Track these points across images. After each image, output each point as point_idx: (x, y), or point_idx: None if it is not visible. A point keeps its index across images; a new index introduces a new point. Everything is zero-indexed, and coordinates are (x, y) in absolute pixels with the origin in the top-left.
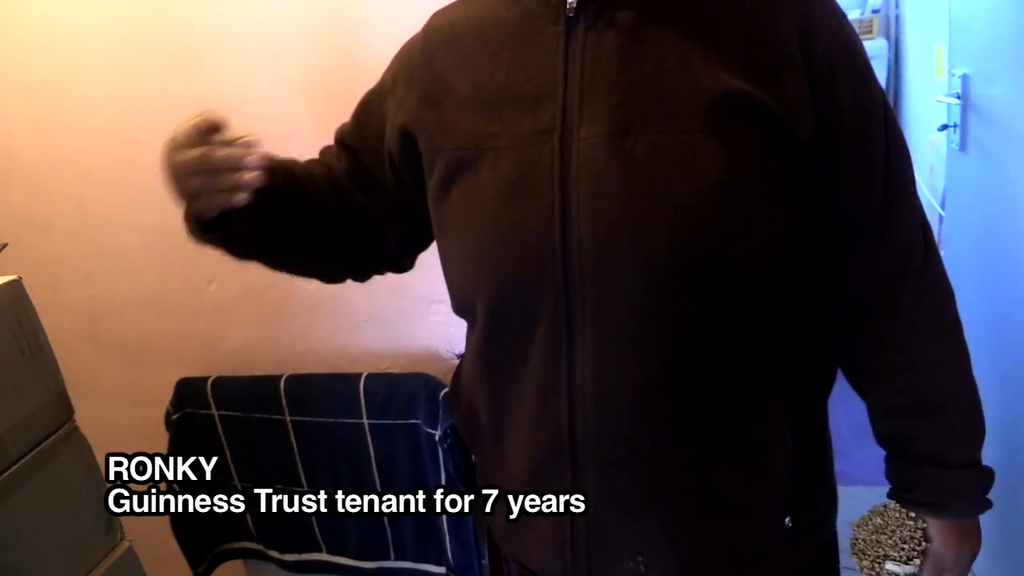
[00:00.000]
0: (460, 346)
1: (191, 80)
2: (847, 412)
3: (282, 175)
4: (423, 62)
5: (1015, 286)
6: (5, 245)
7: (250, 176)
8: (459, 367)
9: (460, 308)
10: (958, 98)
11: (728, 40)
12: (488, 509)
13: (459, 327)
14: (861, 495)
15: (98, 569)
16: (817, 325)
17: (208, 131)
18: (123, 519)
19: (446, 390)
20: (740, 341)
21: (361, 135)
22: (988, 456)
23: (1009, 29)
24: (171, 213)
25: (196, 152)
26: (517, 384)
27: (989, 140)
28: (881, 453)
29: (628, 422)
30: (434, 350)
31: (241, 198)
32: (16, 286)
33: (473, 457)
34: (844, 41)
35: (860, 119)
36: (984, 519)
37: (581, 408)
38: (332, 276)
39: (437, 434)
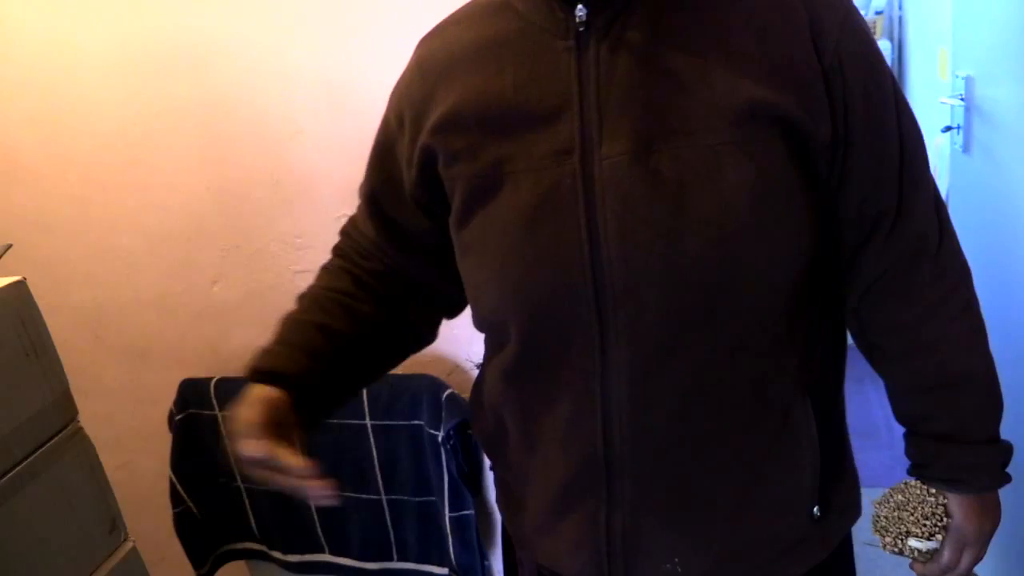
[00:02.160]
0: (461, 348)
1: (194, 82)
2: (849, 414)
3: (329, 354)
4: (424, 96)
5: (1017, 287)
6: (9, 246)
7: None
8: (479, 380)
9: (486, 326)
10: (961, 100)
11: (742, 45)
12: (513, 520)
13: (463, 328)
14: (863, 496)
15: (102, 569)
16: (833, 314)
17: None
18: (126, 519)
19: (449, 391)
20: (771, 345)
21: (384, 189)
22: None
23: (1012, 31)
24: (174, 214)
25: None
26: (549, 402)
27: (992, 142)
28: (882, 456)
29: (664, 435)
30: (438, 352)
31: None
32: (20, 287)
33: (494, 469)
34: (852, 29)
35: (872, 106)
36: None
37: (617, 424)
38: (399, 362)
39: (440, 435)
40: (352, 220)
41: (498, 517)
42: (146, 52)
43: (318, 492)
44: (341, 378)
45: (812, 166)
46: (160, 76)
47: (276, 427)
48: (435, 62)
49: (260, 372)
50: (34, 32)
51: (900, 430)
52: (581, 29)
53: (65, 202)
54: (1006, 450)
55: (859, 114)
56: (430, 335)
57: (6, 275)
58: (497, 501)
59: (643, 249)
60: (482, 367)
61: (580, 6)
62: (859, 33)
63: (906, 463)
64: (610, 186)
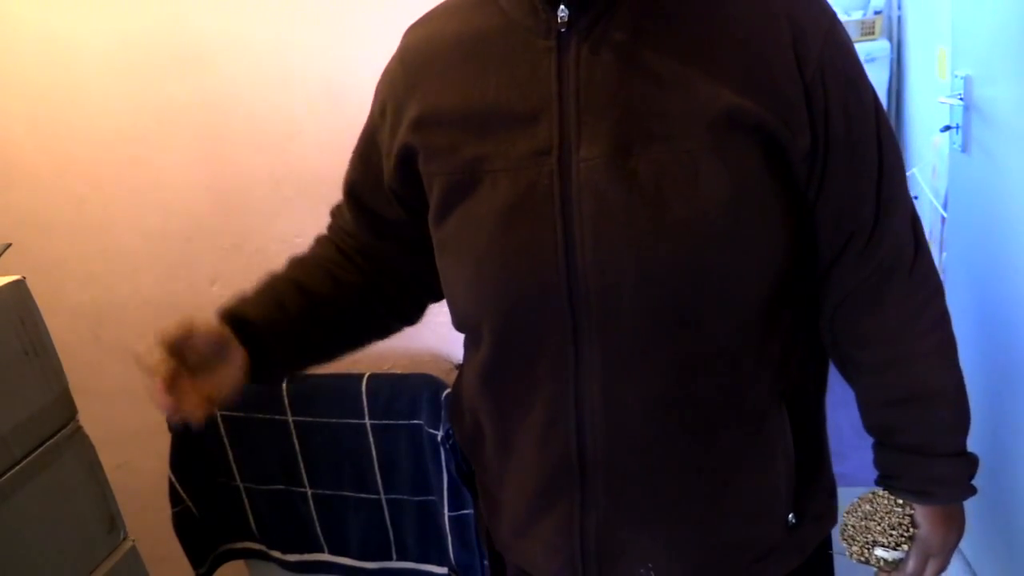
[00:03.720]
0: (460, 347)
1: (193, 82)
2: (848, 413)
3: (296, 305)
4: (406, 86)
5: (1016, 286)
6: (8, 246)
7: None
8: (459, 380)
9: (463, 327)
10: (960, 99)
11: (724, 54)
12: (491, 522)
13: None
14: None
15: (101, 568)
16: (810, 325)
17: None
18: (126, 519)
19: (448, 390)
20: (745, 352)
21: (364, 179)
22: (987, 451)
23: (1011, 31)
24: (173, 213)
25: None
26: (523, 404)
27: (991, 141)
28: None
29: (638, 437)
30: (436, 351)
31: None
32: (20, 286)
33: (475, 473)
34: (835, 43)
35: (852, 122)
36: (972, 506)
37: (590, 426)
38: (382, 336)
39: (439, 434)
40: (338, 204)
41: None
42: (146, 52)
43: (165, 407)
44: (310, 336)
45: (790, 176)
46: (160, 76)
47: (193, 348)
48: (417, 54)
49: (224, 311)
50: (33, 31)
51: None
52: (563, 30)
53: (64, 202)
54: (973, 463)
55: (839, 129)
56: (414, 314)
57: (5, 275)
58: (481, 511)
59: (618, 251)
60: (461, 368)
61: (562, 7)
62: (842, 48)
63: None
64: (587, 188)
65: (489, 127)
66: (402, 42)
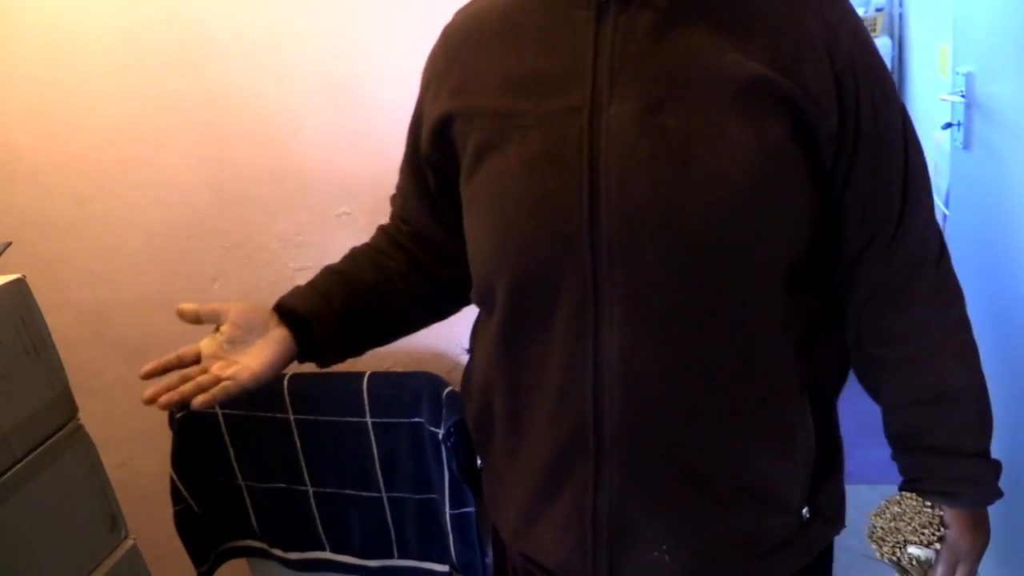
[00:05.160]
0: (461, 345)
1: (194, 79)
2: (851, 412)
3: (343, 296)
4: (447, 59)
5: (1019, 284)
6: (9, 244)
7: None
8: (469, 363)
9: (481, 291)
10: (962, 96)
11: (755, 35)
12: (499, 511)
13: (463, 325)
14: (864, 494)
15: (102, 567)
16: (833, 319)
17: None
18: (127, 517)
19: (449, 388)
20: (769, 326)
21: (413, 155)
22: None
23: (1013, 27)
24: (174, 212)
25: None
26: (538, 368)
27: (993, 138)
28: (883, 453)
29: (656, 405)
30: (438, 349)
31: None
32: (20, 284)
33: (479, 460)
34: (863, 42)
35: (880, 118)
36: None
37: (608, 390)
38: (439, 317)
39: (441, 432)
40: (398, 186)
41: None
42: (146, 49)
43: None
44: (355, 321)
45: (816, 156)
46: (160, 73)
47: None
48: (460, 30)
49: (276, 306)
50: (33, 29)
51: None
52: (602, 0)
53: (65, 200)
54: (997, 466)
55: (867, 121)
56: (453, 306)
57: (6, 273)
58: (486, 501)
59: (643, 203)
60: (472, 350)
61: None
62: (870, 48)
63: None
64: (615, 141)
65: (524, 89)
66: (446, 25)
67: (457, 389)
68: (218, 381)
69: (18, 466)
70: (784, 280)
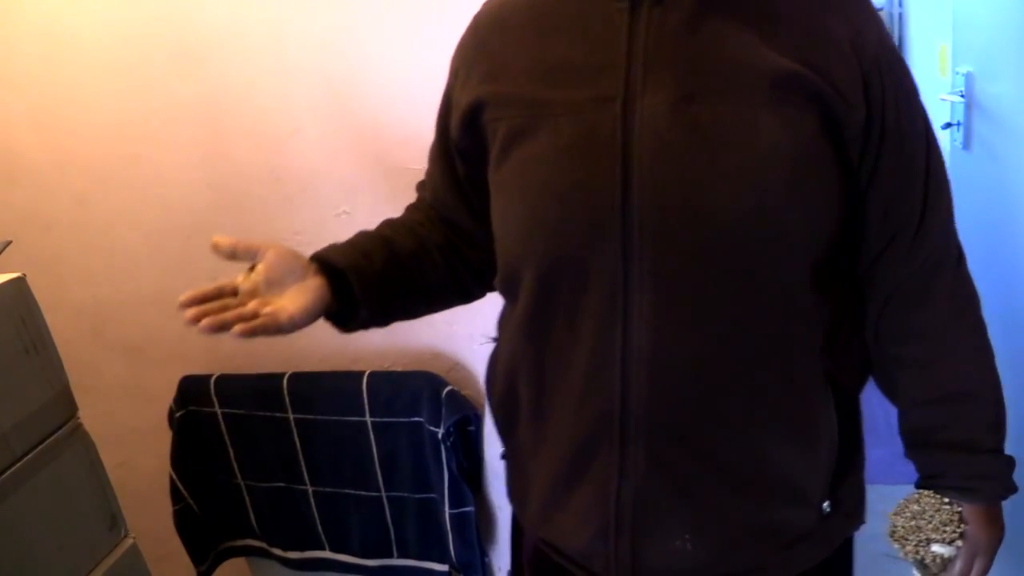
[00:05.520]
0: (461, 345)
1: (194, 78)
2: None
3: (383, 260)
4: (477, 47)
5: (1018, 284)
6: (9, 243)
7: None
8: (495, 351)
9: (506, 278)
10: (962, 96)
11: (785, 31)
12: (520, 499)
13: (462, 325)
14: (868, 492)
15: (102, 566)
16: (856, 317)
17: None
18: (127, 516)
19: (449, 388)
20: (792, 317)
21: (443, 140)
22: None
23: (1013, 27)
24: (174, 211)
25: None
26: (565, 355)
27: (993, 138)
28: (883, 453)
29: (682, 392)
30: (437, 348)
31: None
32: (20, 283)
33: (505, 450)
34: (887, 45)
35: (905, 120)
36: None
37: (635, 377)
38: (464, 299)
39: (440, 432)
40: (421, 181)
41: (498, 514)
42: (146, 48)
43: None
44: (392, 285)
45: (845, 150)
46: (160, 73)
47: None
48: (490, 19)
49: (313, 257)
50: (33, 28)
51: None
52: None
53: (64, 199)
54: (1011, 461)
55: (892, 120)
56: (478, 290)
57: (5, 272)
58: (508, 491)
59: (675, 192)
60: (498, 336)
61: None
62: (894, 50)
63: (904, 460)
64: (648, 131)
65: (555, 78)
66: (475, 15)
67: (457, 389)
68: (257, 316)
69: (18, 465)
70: (810, 274)
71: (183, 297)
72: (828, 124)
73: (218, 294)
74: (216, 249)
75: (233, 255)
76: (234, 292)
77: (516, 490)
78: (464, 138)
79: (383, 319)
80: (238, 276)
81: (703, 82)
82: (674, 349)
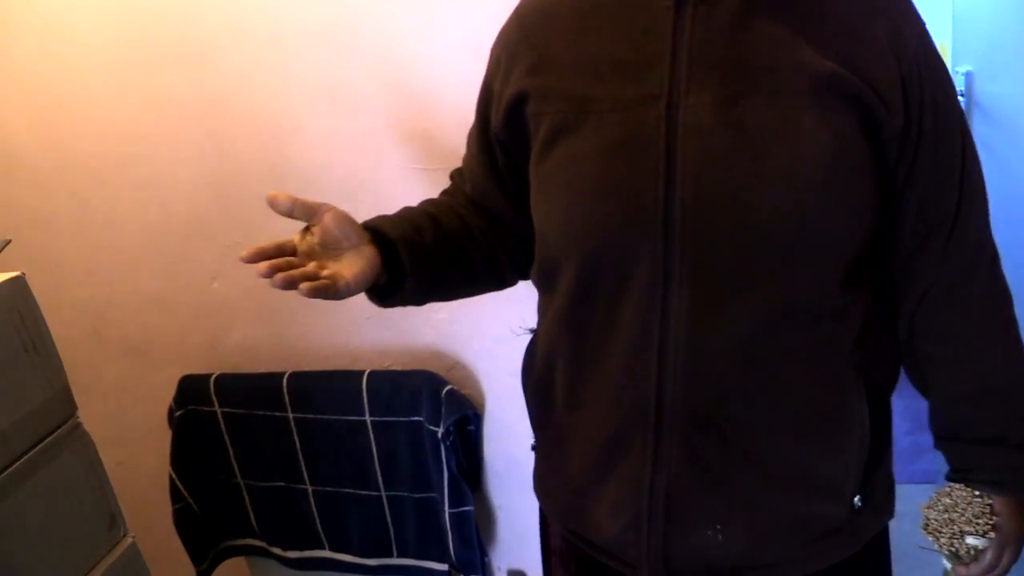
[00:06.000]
0: (461, 344)
1: (194, 76)
2: None
3: (432, 235)
4: (521, 39)
5: (1017, 282)
6: (8, 241)
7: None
8: (532, 340)
9: (546, 270)
10: (961, 96)
11: (829, 33)
12: (549, 487)
13: (461, 324)
14: None
15: (101, 565)
16: (888, 314)
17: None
18: (126, 516)
19: (449, 387)
20: (828, 314)
21: (482, 127)
22: None
23: (1012, 27)
24: (173, 210)
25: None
26: (603, 346)
27: (992, 137)
28: (904, 456)
29: (719, 384)
30: (437, 347)
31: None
32: (19, 282)
33: (536, 441)
34: (930, 49)
35: (942, 119)
36: None
37: (672, 370)
38: (498, 286)
39: (440, 431)
40: (457, 168)
41: (498, 513)
42: (145, 47)
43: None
44: (438, 262)
45: (882, 151)
46: (160, 71)
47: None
48: (535, 12)
49: (365, 225)
50: (32, 26)
51: (905, 426)
52: None
53: (64, 198)
54: None
55: (930, 120)
56: (513, 276)
57: (5, 271)
58: (535, 483)
59: (717, 191)
60: (537, 325)
61: None
62: (934, 52)
63: (908, 460)
64: (692, 129)
65: (601, 74)
66: (518, 8)
67: (456, 388)
68: (318, 276)
69: (17, 464)
70: (845, 272)
71: (247, 253)
72: (867, 125)
73: (279, 251)
74: (273, 204)
75: (290, 213)
76: (293, 251)
77: (545, 481)
78: (505, 129)
79: (424, 296)
80: (295, 235)
81: (746, 82)
82: (711, 343)
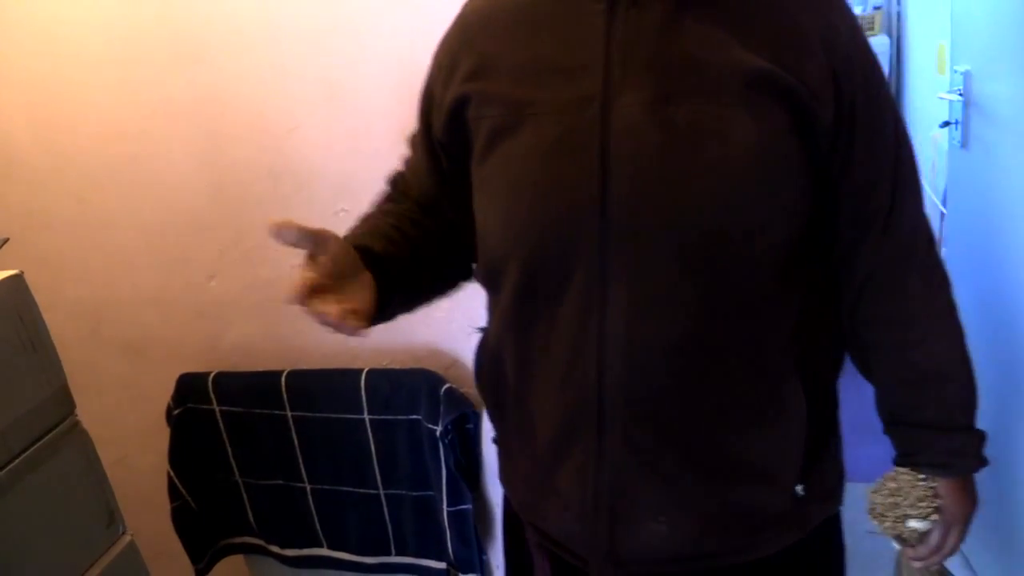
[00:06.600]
0: (460, 342)
1: (192, 76)
2: (845, 412)
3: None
4: (462, 44)
5: (1016, 283)
6: (6, 240)
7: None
8: (482, 339)
9: (489, 271)
10: (960, 95)
11: (759, 30)
12: (510, 482)
13: (460, 324)
14: (858, 490)
15: (100, 563)
16: (828, 303)
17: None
18: (124, 514)
19: (447, 385)
20: (763, 307)
21: (424, 133)
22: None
23: (1011, 26)
24: (172, 209)
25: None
26: (546, 344)
27: (991, 137)
28: (878, 451)
29: (656, 378)
30: (435, 346)
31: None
32: (18, 281)
33: (494, 434)
34: (860, 41)
35: (873, 110)
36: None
37: (611, 364)
38: (450, 289)
39: (438, 429)
40: (398, 171)
41: (496, 511)
42: (143, 47)
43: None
44: (412, 274)
45: (816, 144)
46: (158, 71)
47: (334, 257)
48: (474, 16)
49: (350, 241)
50: (30, 26)
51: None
52: None
53: (62, 197)
54: (983, 436)
55: (862, 113)
56: (461, 278)
57: (3, 269)
58: (500, 474)
59: (651, 189)
60: (487, 323)
61: None
62: (865, 45)
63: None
64: (626, 130)
65: (538, 77)
66: (460, 12)
67: (455, 386)
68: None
69: (15, 462)
70: (780, 265)
71: (297, 300)
72: (800, 119)
73: (312, 286)
74: (279, 237)
75: (297, 244)
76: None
77: (506, 475)
78: (447, 133)
79: (398, 311)
80: (303, 266)
81: (679, 82)
82: (647, 337)
